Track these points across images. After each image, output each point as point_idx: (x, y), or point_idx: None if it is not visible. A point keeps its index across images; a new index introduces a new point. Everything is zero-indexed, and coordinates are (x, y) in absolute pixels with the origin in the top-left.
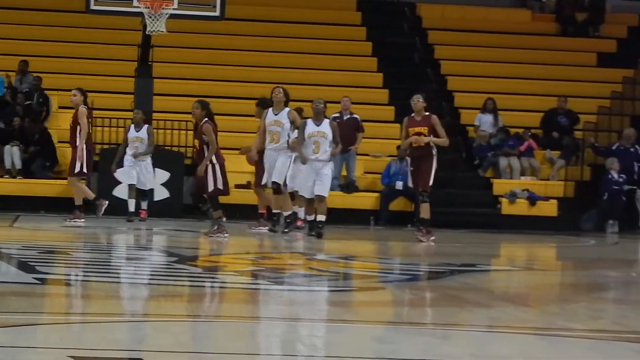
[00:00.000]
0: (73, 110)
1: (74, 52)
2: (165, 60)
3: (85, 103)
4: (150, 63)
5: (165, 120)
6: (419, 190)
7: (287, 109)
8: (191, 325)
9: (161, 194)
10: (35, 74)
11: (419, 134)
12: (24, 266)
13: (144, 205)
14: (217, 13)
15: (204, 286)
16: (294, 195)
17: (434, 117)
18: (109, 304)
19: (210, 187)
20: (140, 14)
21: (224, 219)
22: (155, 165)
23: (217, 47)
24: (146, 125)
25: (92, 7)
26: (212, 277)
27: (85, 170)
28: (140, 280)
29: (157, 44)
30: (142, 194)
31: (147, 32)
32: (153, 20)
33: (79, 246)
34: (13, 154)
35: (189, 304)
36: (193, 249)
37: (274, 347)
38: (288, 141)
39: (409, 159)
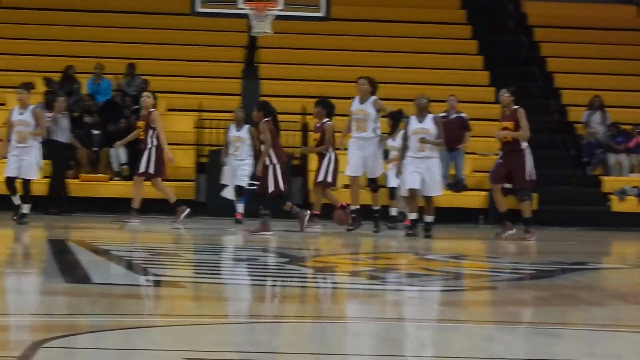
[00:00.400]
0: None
1: (180, 55)
2: (271, 61)
3: (154, 106)
4: (256, 64)
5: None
6: (517, 189)
7: (372, 98)
8: (304, 326)
9: None
10: (142, 77)
11: (505, 128)
12: (137, 268)
13: (240, 207)
14: (322, 13)
15: (315, 287)
16: (393, 194)
17: (520, 110)
18: (222, 306)
19: (271, 188)
20: (246, 16)
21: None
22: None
23: (322, 48)
24: (247, 125)
25: (198, 9)
26: (324, 278)
27: (152, 172)
28: (252, 281)
29: (263, 45)
30: (238, 195)
31: (252, 34)
32: (259, 21)
33: (190, 247)
34: (119, 155)
35: (302, 305)
36: (303, 250)
37: (386, 347)
38: (375, 130)
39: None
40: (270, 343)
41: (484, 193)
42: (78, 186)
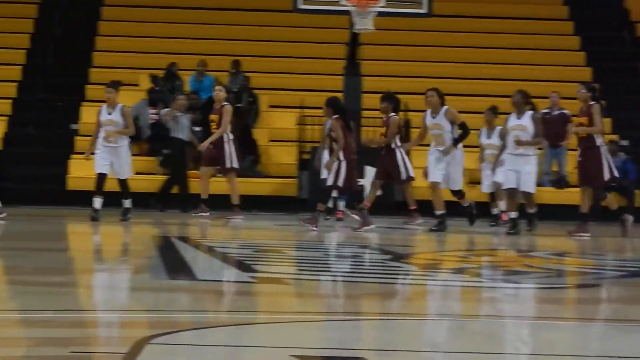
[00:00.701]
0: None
1: (282, 52)
2: (373, 58)
3: (227, 100)
4: (358, 61)
5: (374, 117)
6: (595, 188)
7: (444, 109)
8: (409, 323)
9: None
10: (246, 74)
11: (581, 124)
12: (241, 265)
13: (341, 205)
14: (424, 10)
15: (420, 284)
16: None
17: (595, 106)
18: (327, 303)
19: (330, 182)
20: (348, 12)
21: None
22: (367, 162)
23: (424, 44)
24: None
25: (300, 6)
26: (428, 275)
27: (236, 165)
28: (356, 278)
29: (365, 41)
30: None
31: (354, 30)
32: (361, 18)
33: (293, 244)
34: None
35: (406, 302)
36: (406, 247)
37: (493, 345)
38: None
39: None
40: (376, 340)
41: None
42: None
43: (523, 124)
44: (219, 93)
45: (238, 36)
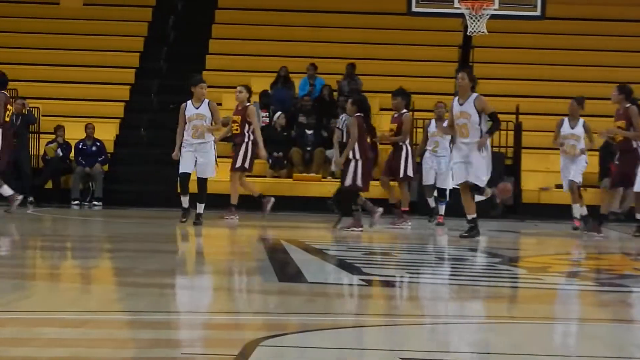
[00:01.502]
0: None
1: (394, 54)
2: (485, 60)
3: (248, 100)
4: (471, 64)
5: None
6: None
7: (474, 96)
8: (518, 327)
9: None
10: (361, 77)
11: (620, 127)
12: (350, 267)
13: (442, 209)
14: (538, 12)
15: (531, 287)
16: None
17: (632, 108)
18: (435, 305)
19: (348, 182)
20: (461, 15)
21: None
22: None
23: (537, 47)
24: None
25: (414, 9)
26: (538, 278)
27: (247, 166)
28: (465, 281)
29: (478, 44)
30: (442, 195)
31: (468, 33)
32: (474, 21)
33: (402, 247)
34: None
35: (516, 305)
36: (514, 250)
37: (607, 349)
38: (483, 133)
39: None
40: (485, 344)
41: None
42: (291, 186)
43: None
44: (239, 94)
45: (350, 39)
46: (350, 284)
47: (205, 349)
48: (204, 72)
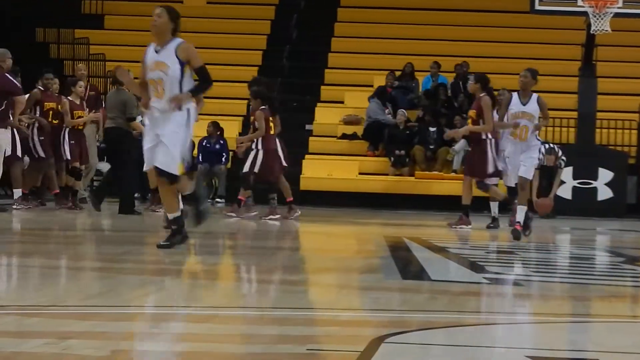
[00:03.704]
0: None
1: (517, 53)
2: (609, 59)
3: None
4: (594, 62)
5: (609, 119)
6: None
7: (535, 96)
8: None
9: (605, 193)
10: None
11: (471, 117)
12: (474, 266)
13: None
14: None
15: None
16: None
17: (484, 98)
18: (561, 304)
19: (246, 169)
20: (584, 14)
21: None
22: (600, 164)
23: None
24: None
25: (537, 7)
26: None
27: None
28: (588, 280)
29: (601, 43)
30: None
31: (591, 32)
32: (597, 19)
33: (525, 246)
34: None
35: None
36: (638, 249)
37: None
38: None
39: None
40: (611, 343)
41: None
42: (413, 184)
43: None
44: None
45: (470, 37)
46: (474, 282)
47: (329, 345)
48: (327, 70)
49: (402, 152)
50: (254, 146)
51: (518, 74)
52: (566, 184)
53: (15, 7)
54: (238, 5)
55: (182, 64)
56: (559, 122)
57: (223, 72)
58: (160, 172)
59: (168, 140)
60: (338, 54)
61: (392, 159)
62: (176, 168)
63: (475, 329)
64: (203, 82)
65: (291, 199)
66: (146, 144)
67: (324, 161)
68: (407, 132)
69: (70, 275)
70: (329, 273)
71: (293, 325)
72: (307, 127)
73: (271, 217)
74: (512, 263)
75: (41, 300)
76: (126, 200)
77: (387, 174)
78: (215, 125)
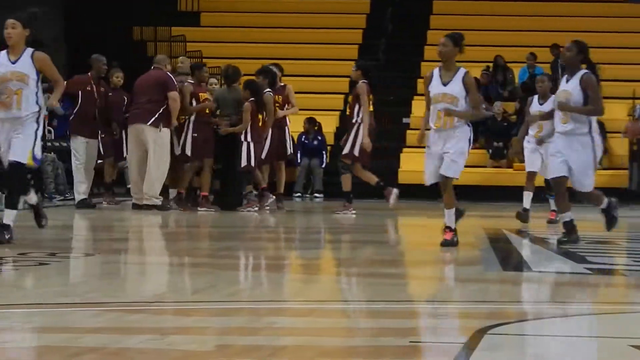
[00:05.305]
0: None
1: (615, 42)
2: None
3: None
4: None
5: None
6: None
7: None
8: None
9: None
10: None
11: (349, 103)
12: (574, 256)
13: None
14: None
15: None
16: None
17: (360, 86)
18: None
19: (244, 163)
20: None
21: None
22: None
23: None
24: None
25: None
26: None
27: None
28: None
29: None
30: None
31: None
32: None
33: (624, 236)
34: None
35: None
36: None
37: None
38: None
39: None
40: None
41: None
42: (511, 176)
43: None
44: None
45: (562, 27)
46: (576, 273)
47: (432, 337)
48: (423, 63)
49: (500, 143)
50: (243, 138)
51: (616, 64)
52: None
53: (112, 6)
54: (333, 0)
55: None
56: None
57: (320, 66)
58: None
59: None
60: (434, 47)
61: (491, 150)
62: None
63: (579, 318)
64: None
65: (264, 186)
66: None
67: (422, 154)
68: (505, 123)
69: (173, 271)
70: (429, 265)
71: (394, 318)
72: (405, 120)
73: (249, 209)
74: (613, 253)
75: (143, 297)
76: (233, 198)
77: (485, 166)
78: (310, 121)
